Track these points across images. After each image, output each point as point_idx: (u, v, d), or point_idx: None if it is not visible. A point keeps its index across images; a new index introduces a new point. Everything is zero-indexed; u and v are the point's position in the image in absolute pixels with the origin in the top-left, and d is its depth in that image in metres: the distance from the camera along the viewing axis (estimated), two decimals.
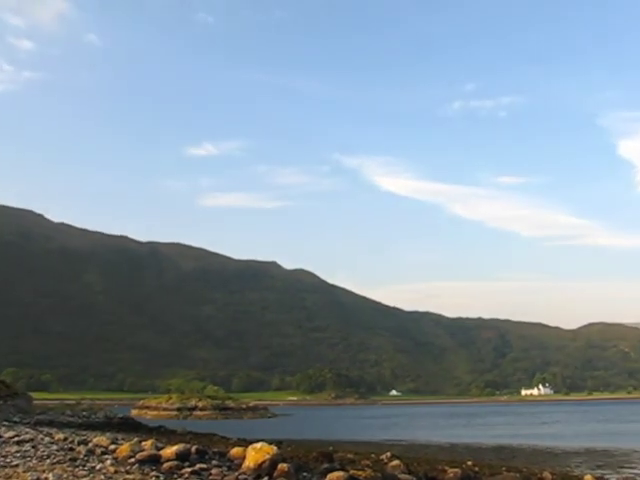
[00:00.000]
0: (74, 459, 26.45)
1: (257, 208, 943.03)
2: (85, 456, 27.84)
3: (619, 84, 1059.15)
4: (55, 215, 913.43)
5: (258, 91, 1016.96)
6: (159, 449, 28.85)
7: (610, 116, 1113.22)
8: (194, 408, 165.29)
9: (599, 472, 42.71)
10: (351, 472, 26.57)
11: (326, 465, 28.89)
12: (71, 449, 31.04)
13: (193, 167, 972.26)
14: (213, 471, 25.16)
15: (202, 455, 28.75)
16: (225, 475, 24.72)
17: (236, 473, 25.09)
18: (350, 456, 37.63)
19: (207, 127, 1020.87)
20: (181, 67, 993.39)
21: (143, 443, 30.47)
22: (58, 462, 25.53)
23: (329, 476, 25.54)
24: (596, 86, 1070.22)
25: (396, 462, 33.34)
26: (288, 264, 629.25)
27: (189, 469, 25.06)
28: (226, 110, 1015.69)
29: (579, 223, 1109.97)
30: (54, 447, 31.54)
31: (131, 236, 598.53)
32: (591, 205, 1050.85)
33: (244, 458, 26.54)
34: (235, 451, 29.94)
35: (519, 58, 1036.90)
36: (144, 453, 27.50)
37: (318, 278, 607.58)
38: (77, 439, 36.69)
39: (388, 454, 38.67)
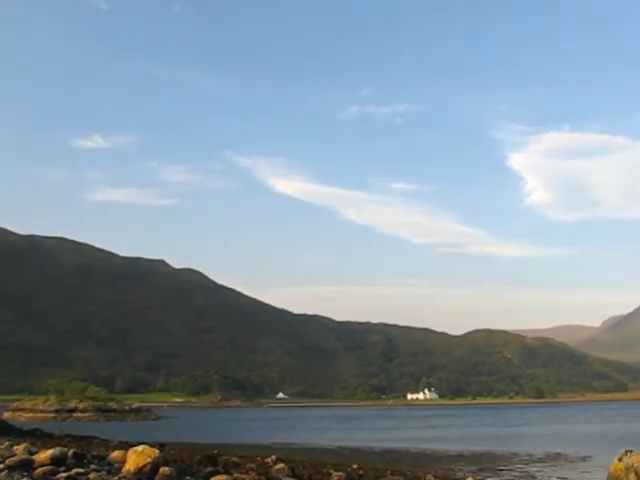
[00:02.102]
0: None
1: (146, 204, 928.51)
2: None
3: (511, 99, 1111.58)
4: None
5: (151, 84, 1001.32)
6: (32, 454, 27.37)
7: (501, 129, 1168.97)
8: (74, 410, 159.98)
9: (480, 475, 43.93)
10: (235, 475, 26.33)
11: (210, 468, 28.42)
12: None
13: (80, 159, 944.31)
14: (91, 476, 24.11)
15: (80, 459, 27.54)
16: None
17: (116, 477, 24.22)
18: (235, 459, 37.05)
19: (96, 118, 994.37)
20: (71, 54, 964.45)
21: (14, 447, 28.83)
22: None
23: (212, 479, 25.09)
24: (489, 100, 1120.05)
25: (281, 465, 33.20)
26: (176, 263, 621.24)
27: (64, 474, 23.88)
28: (117, 102, 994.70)
29: (469, 231, 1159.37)
30: None
31: (9, 228, 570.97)
32: (481, 214, 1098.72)
33: (125, 462, 25.66)
34: (115, 454, 28.92)
35: (418, 67, 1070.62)
36: (15, 458, 25.96)
37: (207, 278, 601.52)
38: None
39: (273, 457, 38.38)
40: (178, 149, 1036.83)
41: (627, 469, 30.37)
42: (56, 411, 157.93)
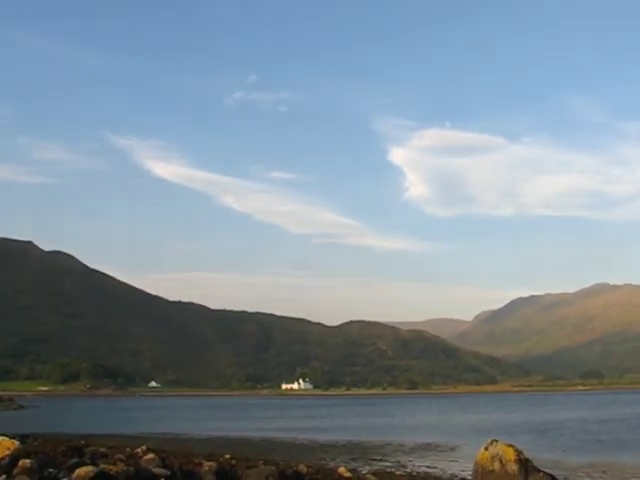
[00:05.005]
0: None
1: (14, 182, 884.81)
2: None
3: (396, 94, 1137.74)
4: None
5: (25, 55, 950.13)
6: None
7: (384, 123, 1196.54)
8: None
9: (353, 465, 44.39)
10: (102, 466, 25.44)
11: (75, 460, 27.19)
12: None
13: None
14: None
15: None
16: None
17: None
18: (103, 450, 35.72)
19: None
20: None
21: None
22: None
23: (77, 471, 24.19)
24: (374, 93, 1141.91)
25: (151, 456, 32.29)
26: (46, 245, 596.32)
27: None
28: None
29: (347, 223, 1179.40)
30: None
31: None
32: (360, 206, 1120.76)
33: None
34: None
35: (305, 56, 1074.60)
36: None
37: (78, 261, 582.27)
38: None
39: (143, 447, 37.32)
40: (52, 126, 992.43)
41: (492, 458, 31.37)
42: None
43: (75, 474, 23.65)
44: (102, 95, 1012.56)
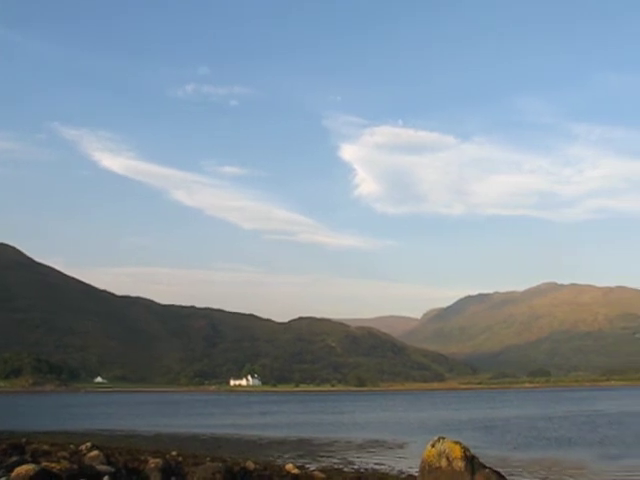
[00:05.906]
0: None
1: None
2: None
3: (348, 91, 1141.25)
4: None
5: None
6: None
7: (335, 120, 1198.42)
8: None
9: (300, 461, 44.20)
10: (44, 465, 24.67)
11: (15, 458, 26.33)
12: None
13: None
14: None
15: None
16: None
17: None
18: (45, 447, 35.00)
19: None
20: None
21: None
22: None
23: (17, 470, 23.47)
24: (326, 90, 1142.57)
25: (95, 452, 31.80)
26: None
27: None
28: None
29: (299, 219, 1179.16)
30: None
31: None
32: (311, 202, 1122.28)
33: None
34: None
35: (257, 50, 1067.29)
36: None
37: (22, 254, 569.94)
38: None
39: (88, 444, 36.75)
40: None
41: (439, 454, 31.30)
42: None
43: (14, 473, 22.91)
44: (51, 85, 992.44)
